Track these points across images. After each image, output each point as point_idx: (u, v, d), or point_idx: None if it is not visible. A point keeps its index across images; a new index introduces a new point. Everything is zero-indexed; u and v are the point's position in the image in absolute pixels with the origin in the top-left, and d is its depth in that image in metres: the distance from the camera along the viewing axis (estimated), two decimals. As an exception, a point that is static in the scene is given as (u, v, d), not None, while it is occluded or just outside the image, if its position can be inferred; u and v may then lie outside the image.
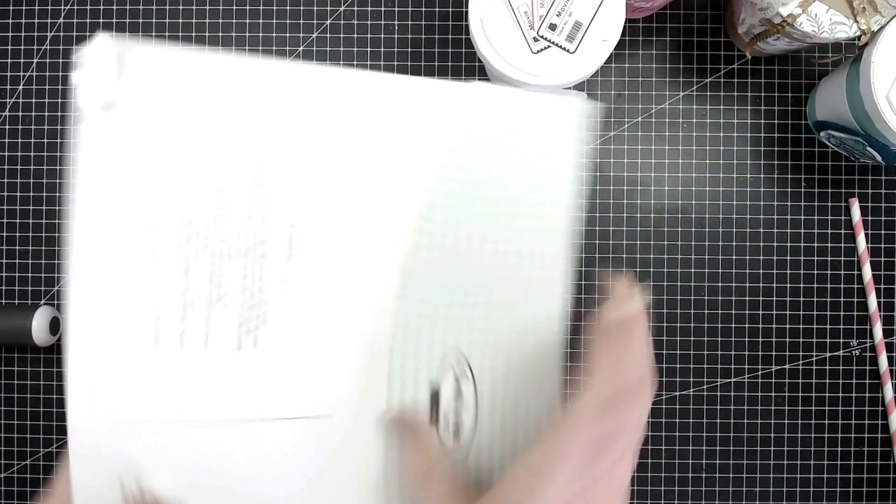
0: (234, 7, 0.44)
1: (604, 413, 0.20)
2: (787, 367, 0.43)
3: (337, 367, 0.26)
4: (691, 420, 0.43)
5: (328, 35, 0.44)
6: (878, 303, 0.43)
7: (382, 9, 0.44)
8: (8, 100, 0.44)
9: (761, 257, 0.43)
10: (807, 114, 0.44)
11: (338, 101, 0.25)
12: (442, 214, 0.26)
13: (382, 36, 0.44)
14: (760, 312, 0.43)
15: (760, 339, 0.43)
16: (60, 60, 0.44)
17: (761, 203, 0.44)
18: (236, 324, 0.24)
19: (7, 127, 0.44)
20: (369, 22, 0.44)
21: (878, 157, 0.39)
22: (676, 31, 0.44)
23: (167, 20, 0.44)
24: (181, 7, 0.44)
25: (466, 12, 0.37)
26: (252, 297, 0.24)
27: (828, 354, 0.43)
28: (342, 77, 0.25)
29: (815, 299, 0.43)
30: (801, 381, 0.43)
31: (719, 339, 0.43)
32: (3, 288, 0.44)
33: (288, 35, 0.44)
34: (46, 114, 0.44)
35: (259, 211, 0.24)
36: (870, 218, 0.43)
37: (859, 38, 0.35)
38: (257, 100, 0.24)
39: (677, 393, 0.43)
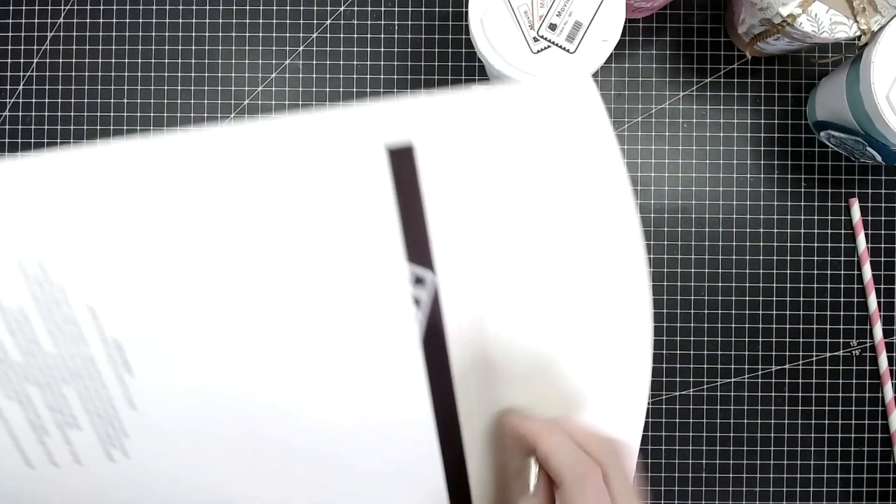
0: (234, 7, 0.44)
1: None
2: (787, 367, 0.43)
3: (221, 460, 0.24)
4: (691, 420, 0.43)
5: (328, 35, 0.44)
6: (878, 303, 0.43)
7: (382, 9, 0.44)
8: (8, 100, 0.44)
9: (761, 257, 0.43)
10: (807, 114, 0.44)
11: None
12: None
13: (382, 36, 0.44)
14: (760, 312, 0.43)
15: (760, 339, 0.43)
16: (60, 60, 0.44)
17: (761, 203, 0.44)
18: (96, 440, 0.23)
19: (7, 127, 0.44)
20: (369, 22, 0.44)
21: (878, 157, 0.39)
22: (676, 31, 0.44)
23: (167, 20, 0.44)
24: (181, 7, 0.44)
25: (466, 12, 0.37)
26: (100, 415, 0.23)
27: (828, 354, 0.43)
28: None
29: (815, 299, 0.43)
30: (801, 381, 0.43)
31: (719, 339, 0.43)
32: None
33: (288, 35, 0.44)
34: (46, 114, 0.44)
35: (70, 333, 0.22)
36: (870, 218, 0.43)
37: (859, 38, 0.35)
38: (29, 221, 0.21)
39: (677, 393, 0.43)
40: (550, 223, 0.23)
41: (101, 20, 0.44)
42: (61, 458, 0.23)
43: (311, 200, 0.22)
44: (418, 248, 0.22)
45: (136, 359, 0.23)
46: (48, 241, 0.22)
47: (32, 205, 0.21)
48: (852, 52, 0.43)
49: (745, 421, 0.43)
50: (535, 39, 0.34)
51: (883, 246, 0.43)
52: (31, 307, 0.22)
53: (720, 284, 0.43)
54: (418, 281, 0.22)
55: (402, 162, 0.22)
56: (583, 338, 0.24)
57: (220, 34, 0.44)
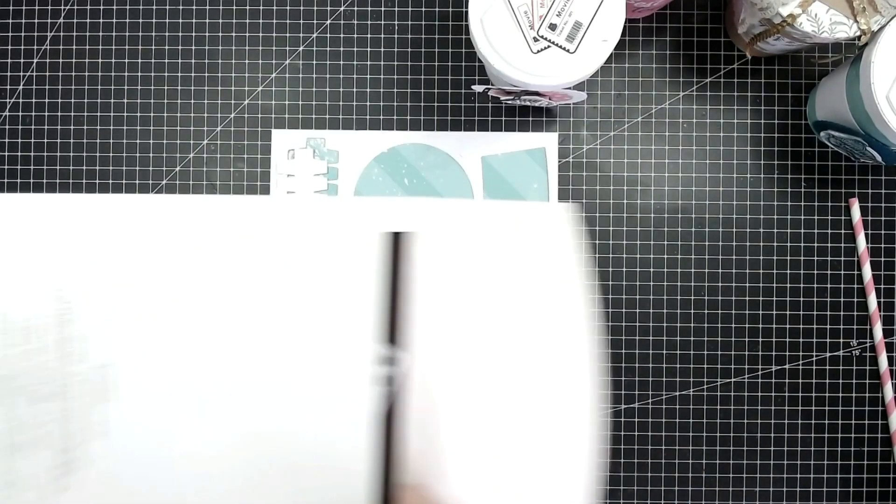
0: (234, 7, 0.44)
1: None
2: (787, 367, 0.43)
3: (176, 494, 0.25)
4: (691, 420, 0.43)
5: (328, 35, 0.44)
6: (878, 303, 0.43)
7: (382, 9, 0.44)
8: (8, 100, 0.44)
9: (761, 257, 0.43)
10: (807, 114, 0.44)
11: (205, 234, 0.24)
12: None
13: (382, 36, 0.44)
14: (760, 312, 0.43)
15: (760, 339, 0.43)
16: (60, 60, 0.44)
17: (761, 203, 0.44)
18: (51, 467, 0.24)
19: (7, 127, 0.44)
20: (369, 22, 0.44)
21: (878, 157, 0.39)
22: (676, 31, 0.44)
23: (167, 20, 0.44)
24: (181, 7, 0.44)
25: (466, 12, 0.37)
26: (69, 438, 0.24)
27: (828, 354, 0.43)
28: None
29: (815, 299, 0.43)
30: (801, 381, 0.43)
31: (719, 339, 0.43)
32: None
33: (288, 35, 0.44)
34: (46, 114, 0.44)
35: (77, 351, 0.23)
36: (870, 218, 0.43)
37: (859, 38, 0.35)
38: (58, 240, 0.24)
39: (677, 393, 0.43)
40: (511, 323, 0.26)
41: (101, 20, 0.44)
42: (24, 480, 0.24)
43: (313, 270, 0.24)
44: (395, 331, 0.25)
45: (126, 385, 0.24)
46: (84, 273, 0.24)
47: (77, 241, 0.24)
48: (852, 52, 0.43)
49: (745, 421, 0.43)
50: (535, 39, 0.34)
51: (883, 246, 0.43)
52: (51, 324, 0.24)
53: (720, 284, 0.43)
54: (389, 360, 0.24)
55: (396, 251, 0.24)
56: (527, 432, 0.26)
57: (220, 34, 0.44)
